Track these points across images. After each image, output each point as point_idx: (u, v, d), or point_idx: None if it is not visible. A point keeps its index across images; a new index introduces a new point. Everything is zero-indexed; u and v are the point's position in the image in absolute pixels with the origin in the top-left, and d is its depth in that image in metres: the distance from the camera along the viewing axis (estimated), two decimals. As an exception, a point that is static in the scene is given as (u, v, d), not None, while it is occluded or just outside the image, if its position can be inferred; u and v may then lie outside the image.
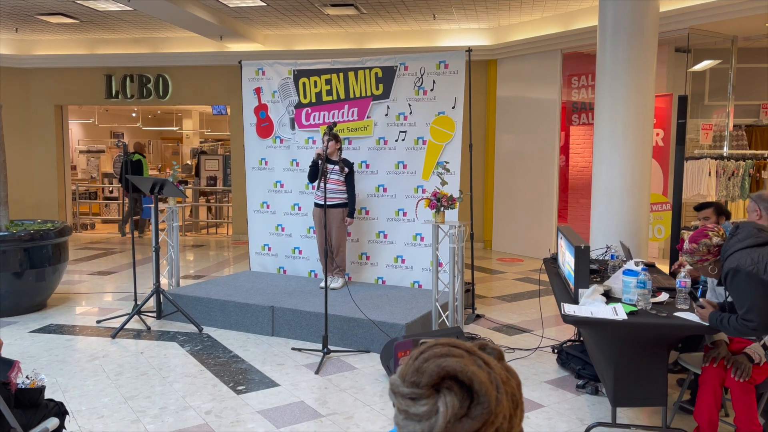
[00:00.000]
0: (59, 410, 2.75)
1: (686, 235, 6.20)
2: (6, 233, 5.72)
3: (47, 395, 2.77)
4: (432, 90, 5.96)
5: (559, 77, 8.84)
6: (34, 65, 10.80)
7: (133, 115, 16.59)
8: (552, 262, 4.79)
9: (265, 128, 6.65)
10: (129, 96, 10.77)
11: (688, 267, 3.41)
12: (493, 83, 9.78)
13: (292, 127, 6.52)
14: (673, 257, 5.78)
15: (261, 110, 6.64)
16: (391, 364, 4.30)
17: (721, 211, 4.18)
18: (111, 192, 12.83)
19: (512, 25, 9.23)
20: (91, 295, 6.74)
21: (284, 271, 6.70)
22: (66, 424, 2.84)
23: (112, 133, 16.76)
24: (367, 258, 6.33)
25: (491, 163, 9.91)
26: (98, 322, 5.67)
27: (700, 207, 4.33)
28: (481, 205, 9.98)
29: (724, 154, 6.89)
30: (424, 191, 5.98)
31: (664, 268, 5.40)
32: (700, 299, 3.19)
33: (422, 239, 6.07)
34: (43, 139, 11.05)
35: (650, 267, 4.41)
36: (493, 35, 9.49)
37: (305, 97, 6.43)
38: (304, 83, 6.41)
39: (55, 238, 5.98)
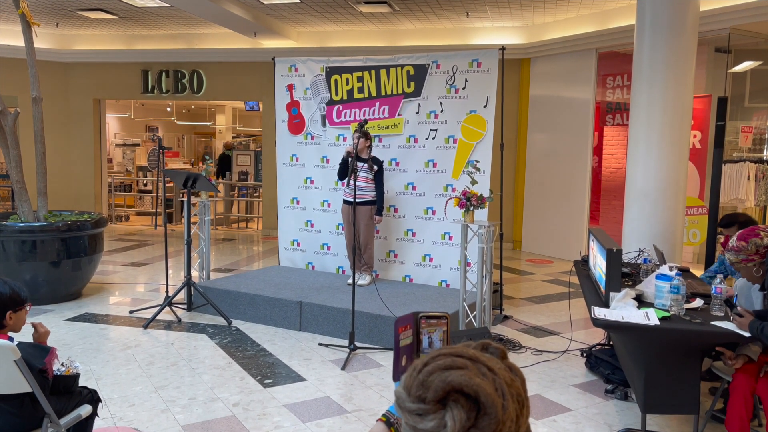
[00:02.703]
0: (92, 397, 2.82)
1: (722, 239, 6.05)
2: (45, 223, 5.88)
3: (81, 382, 2.84)
4: (464, 88, 5.93)
5: (594, 77, 8.71)
6: (74, 59, 11.07)
7: (168, 109, 16.89)
8: (583, 265, 4.72)
9: (296, 125, 6.70)
10: (164, 91, 10.96)
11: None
12: (526, 82, 9.68)
13: (323, 124, 6.55)
14: (709, 262, 5.65)
15: (293, 107, 6.69)
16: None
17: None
18: (145, 185, 13.09)
19: (547, 23, 9.12)
20: (124, 286, 6.89)
21: (312, 267, 6.74)
22: (98, 411, 2.91)
23: (147, 127, 17.08)
24: (395, 256, 6.33)
25: (522, 163, 9.82)
26: (131, 312, 5.80)
27: (726, 224, 4.23)
28: (511, 205, 9.89)
29: (764, 158, 6.70)
30: (453, 190, 5.95)
31: (699, 273, 5.27)
32: (738, 307, 3.11)
33: (451, 238, 6.04)
34: (81, 132, 11.32)
35: (684, 272, 4.32)
36: (527, 34, 9.39)
37: (337, 94, 6.46)
38: (336, 80, 6.44)
39: (91, 229, 6.13)
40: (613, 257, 3.46)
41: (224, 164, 12.88)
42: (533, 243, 9.68)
